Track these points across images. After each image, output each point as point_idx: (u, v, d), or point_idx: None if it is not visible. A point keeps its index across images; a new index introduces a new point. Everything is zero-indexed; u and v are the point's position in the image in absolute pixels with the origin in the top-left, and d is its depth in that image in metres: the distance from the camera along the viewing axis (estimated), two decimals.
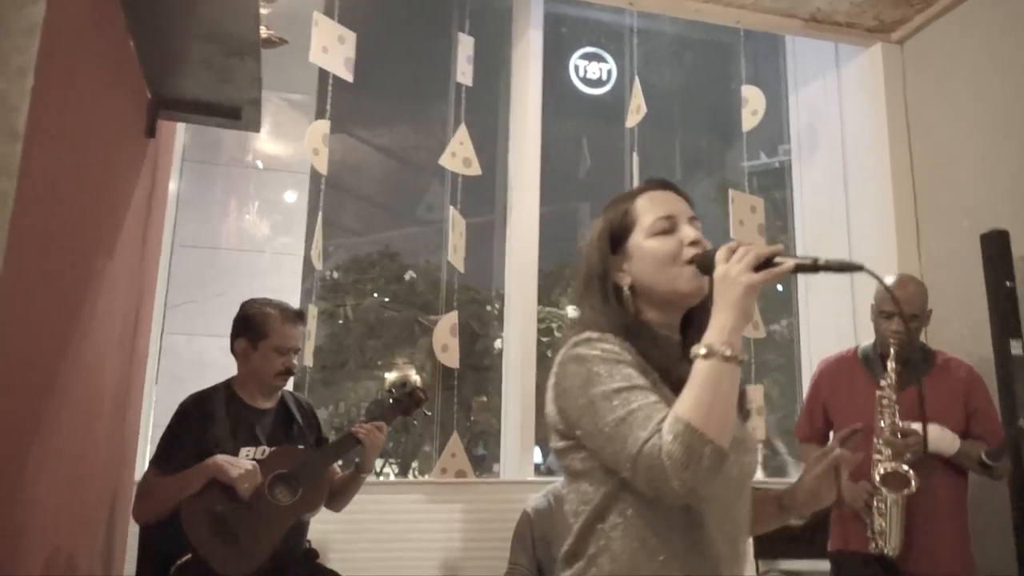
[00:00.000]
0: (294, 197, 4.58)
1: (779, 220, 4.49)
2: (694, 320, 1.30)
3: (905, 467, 2.41)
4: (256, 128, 2.68)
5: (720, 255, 1.18)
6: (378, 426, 2.37)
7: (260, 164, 4.52)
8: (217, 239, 4.29)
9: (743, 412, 1.33)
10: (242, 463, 2.18)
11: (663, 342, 1.27)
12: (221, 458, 2.18)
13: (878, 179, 3.77)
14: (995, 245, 3.01)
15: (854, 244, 3.90)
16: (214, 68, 2.20)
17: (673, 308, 1.30)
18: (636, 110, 3.67)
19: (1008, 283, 2.95)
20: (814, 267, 1.16)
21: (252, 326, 2.38)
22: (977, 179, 3.36)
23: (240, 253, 4.35)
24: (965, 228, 3.32)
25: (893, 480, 2.41)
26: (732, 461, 1.19)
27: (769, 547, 3.39)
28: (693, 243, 1.27)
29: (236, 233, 4.41)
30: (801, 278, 4.19)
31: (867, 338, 2.86)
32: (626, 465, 1.13)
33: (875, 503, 2.45)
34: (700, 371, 1.12)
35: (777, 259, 1.16)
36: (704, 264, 1.22)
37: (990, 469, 2.53)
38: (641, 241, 1.31)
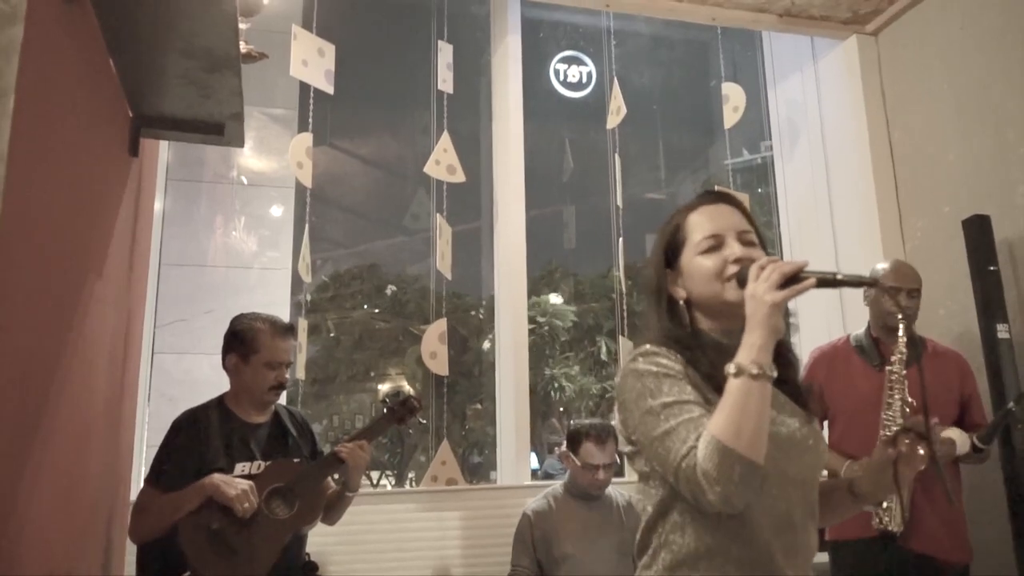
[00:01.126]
0: (280, 211, 4.58)
1: (764, 215, 4.52)
2: None
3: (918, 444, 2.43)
4: (240, 143, 2.68)
5: (751, 273, 1.24)
6: (360, 445, 2.35)
7: (245, 180, 4.51)
8: (204, 256, 4.28)
9: (807, 411, 1.37)
10: (239, 483, 2.16)
11: (719, 351, 1.31)
12: (218, 477, 2.17)
13: (859, 170, 3.80)
14: (977, 230, 3.04)
15: (839, 235, 3.93)
16: (195, 84, 2.20)
17: (728, 317, 1.34)
18: (616, 111, 3.69)
19: (991, 267, 2.99)
20: (834, 282, 1.23)
21: (242, 341, 2.37)
22: (956, 166, 3.39)
23: (228, 270, 4.34)
24: (947, 214, 3.36)
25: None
26: (788, 461, 1.27)
27: None
28: (737, 260, 1.32)
29: (223, 250, 4.40)
30: None
31: (856, 329, 2.87)
32: (670, 476, 1.23)
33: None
34: (730, 390, 1.19)
35: (801, 275, 1.22)
36: (741, 280, 1.28)
37: (981, 452, 2.55)
38: (691, 258, 1.38)
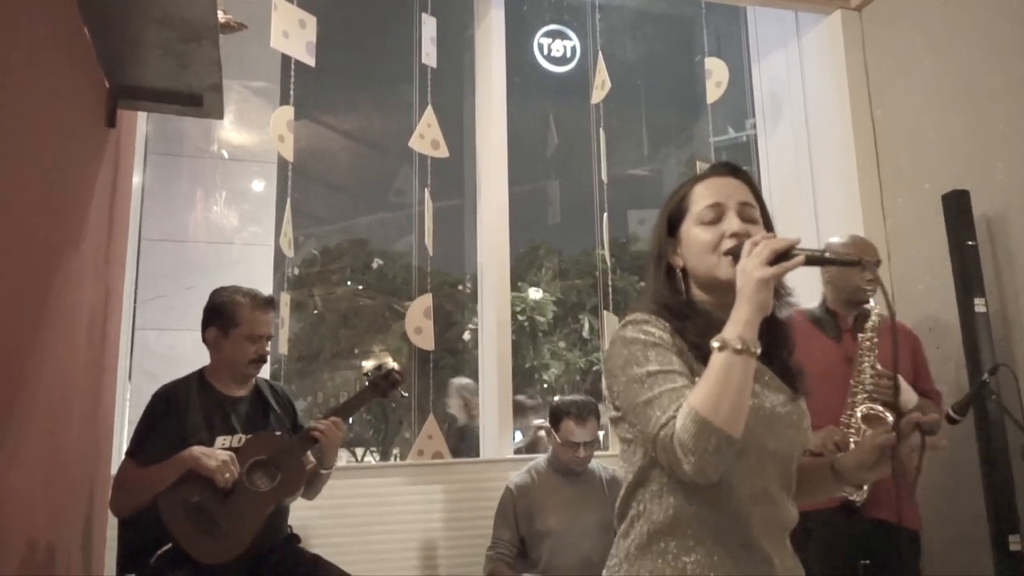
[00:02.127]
0: (261, 186, 4.54)
1: None
2: None
3: (881, 408, 2.46)
4: (219, 115, 2.65)
5: (745, 248, 1.25)
6: (335, 422, 2.36)
7: (226, 154, 4.47)
8: (185, 232, 4.25)
9: (795, 389, 1.40)
10: (219, 454, 2.17)
11: (709, 322, 1.31)
12: (197, 450, 2.17)
13: (841, 146, 3.81)
14: (956, 205, 3.06)
15: (820, 212, 3.95)
16: (172, 54, 2.17)
17: (719, 291, 1.35)
18: (600, 86, 3.68)
19: (970, 242, 3.01)
20: (823, 260, 1.26)
21: (223, 315, 2.36)
22: (937, 142, 3.41)
23: (209, 245, 4.32)
24: (927, 190, 3.37)
25: (872, 421, 2.44)
26: (769, 435, 1.29)
27: None
28: (734, 234, 1.32)
29: (204, 225, 4.37)
30: None
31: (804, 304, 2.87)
32: (648, 444, 1.25)
33: (851, 444, 2.45)
34: (714, 363, 1.19)
35: (792, 252, 1.22)
36: (736, 256, 1.28)
37: (955, 423, 2.57)
38: (690, 228, 1.38)
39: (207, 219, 4.35)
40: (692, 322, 1.33)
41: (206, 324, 2.40)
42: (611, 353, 1.34)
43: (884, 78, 3.74)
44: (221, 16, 2.51)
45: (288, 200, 3.46)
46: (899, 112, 3.65)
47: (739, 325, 1.20)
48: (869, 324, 2.58)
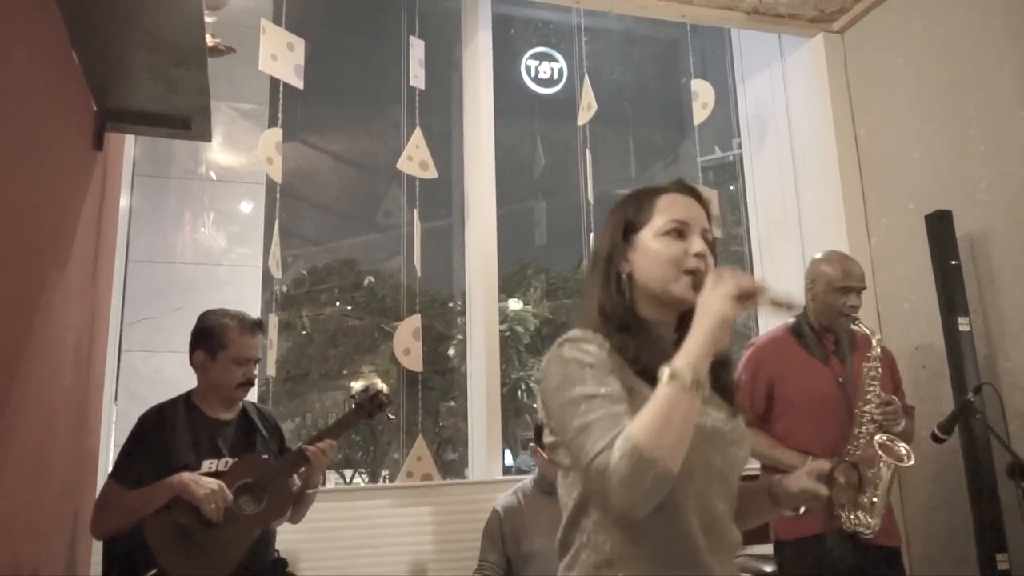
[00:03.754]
0: (250, 208, 4.54)
1: (734, 213, 4.57)
2: (688, 322, 1.30)
3: (899, 440, 2.41)
4: (207, 138, 2.66)
5: (709, 280, 1.22)
6: (329, 444, 2.35)
7: (214, 175, 4.47)
8: (172, 253, 4.24)
9: (732, 407, 1.35)
10: (208, 482, 2.15)
11: (649, 339, 1.29)
12: (187, 476, 2.15)
13: (826, 166, 3.85)
14: (939, 225, 3.10)
15: (805, 231, 3.98)
16: (160, 78, 2.18)
17: (666, 308, 1.33)
18: (587, 107, 3.71)
19: (953, 261, 3.05)
20: (788, 307, 1.23)
21: (210, 337, 2.35)
22: (920, 163, 3.45)
23: (196, 267, 4.30)
24: (911, 210, 3.41)
25: (889, 451, 2.40)
26: (715, 452, 1.25)
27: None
28: (698, 255, 1.30)
29: (192, 246, 4.36)
30: (758, 271, 4.27)
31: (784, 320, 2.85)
32: (581, 471, 1.18)
33: (870, 474, 2.40)
34: (660, 395, 1.15)
35: (759, 293, 1.20)
36: (697, 282, 1.26)
37: (941, 442, 2.57)
38: (650, 238, 1.33)
39: (195, 240, 4.34)
40: (634, 336, 1.29)
41: (194, 347, 2.39)
42: (547, 372, 1.28)
43: (867, 99, 3.79)
44: (209, 40, 2.53)
45: (276, 222, 3.46)
46: (882, 133, 3.70)
47: (693, 357, 1.16)
48: (873, 353, 2.52)
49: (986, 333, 3.10)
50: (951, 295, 3.03)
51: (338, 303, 8.70)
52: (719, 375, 1.31)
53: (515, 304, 8.07)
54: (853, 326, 2.60)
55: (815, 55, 3.94)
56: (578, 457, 1.18)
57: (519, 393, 8.29)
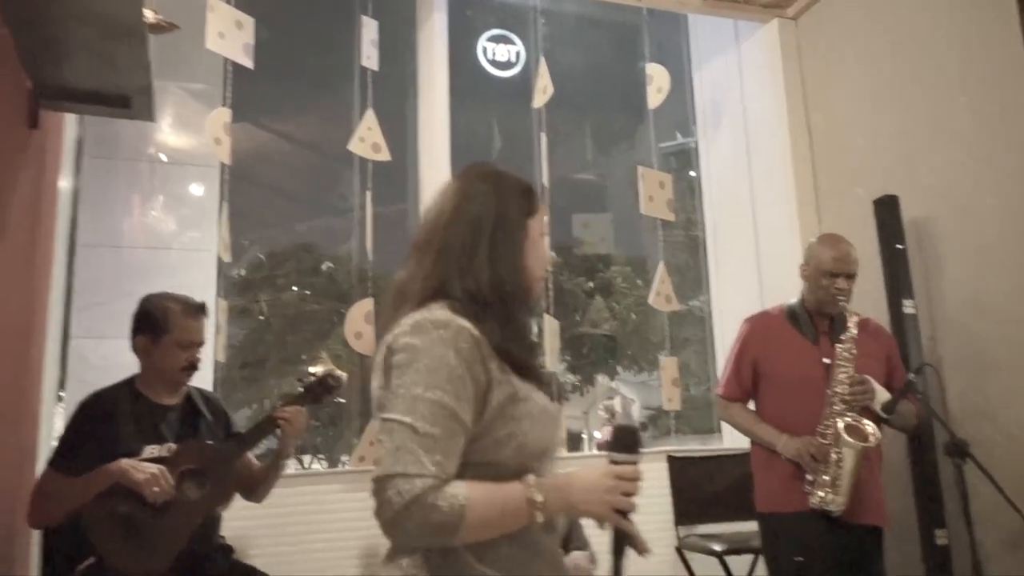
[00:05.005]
0: (201, 190, 4.45)
1: (693, 199, 4.60)
2: None
3: (867, 421, 2.45)
4: (149, 117, 2.60)
5: (612, 469, 1.21)
6: (299, 410, 2.32)
7: (164, 157, 4.37)
8: (121, 237, 4.14)
9: (554, 396, 1.36)
10: (148, 467, 2.11)
11: (511, 322, 1.26)
12: (126, 462, 2.11)
13: (779, 151, 3.89)
14: (886, 210, 3.16)
15: (758, 215, 4.02)
16: (96, 53, 2.11)
17: (526, 295, 1.34)
18: (543, 91, 3.69)
19: (899, 245, 3.10)
20: (630, 544, 1.24)
21: (152, 321, 2.31)
22: (869, 148, 3.50)
23: (146, 251, 4.21)
24: (860, 195, 3.46)
25: (854, 432, 2.43)
26: (555, 432, 1.28)
27: (687, 513, 3.49)
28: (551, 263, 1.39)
29: (142, 230, 4.26)
30: (713, 263, 4.31)
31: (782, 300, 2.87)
32: (379, 471, 1.12)
33: (833, 455, 2.45)
34: (511, 492, 1.16)
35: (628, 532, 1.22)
36: (629, 440, 1.25)
37: (888, 422, 2.62)
38: (538, 231, 1.34)
39: (144, 224, 4.25)
40: (514, 328, 1.25)
41: (136, 331, 2.34)
42: (405, 345, 1.18)
43: (819, 85, 3.84)
44: (151, 16, 2.46)
45: (224, 204, 3.40)
46: (834, 119, 3.74)
47: (556, 502, 1.17)
48: (848, 335, 2.55)
49: (930, 316, 3.16)
50: (897, 278, 3.09)
51: (295, 288, 8.59)
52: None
53: None
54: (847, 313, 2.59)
55: (770, 41, 3.97)
56: (385, 455, 1.12)
57: None
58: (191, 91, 4.34)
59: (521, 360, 1.24)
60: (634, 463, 1.22)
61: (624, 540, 1.22)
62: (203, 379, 3.58)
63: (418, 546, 1.15)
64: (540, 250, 1.33)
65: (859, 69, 3.57)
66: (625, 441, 1.24)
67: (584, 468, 1.22)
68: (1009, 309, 2.90)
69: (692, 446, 4.57)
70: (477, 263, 1.25)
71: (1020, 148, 2.89)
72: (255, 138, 4.92)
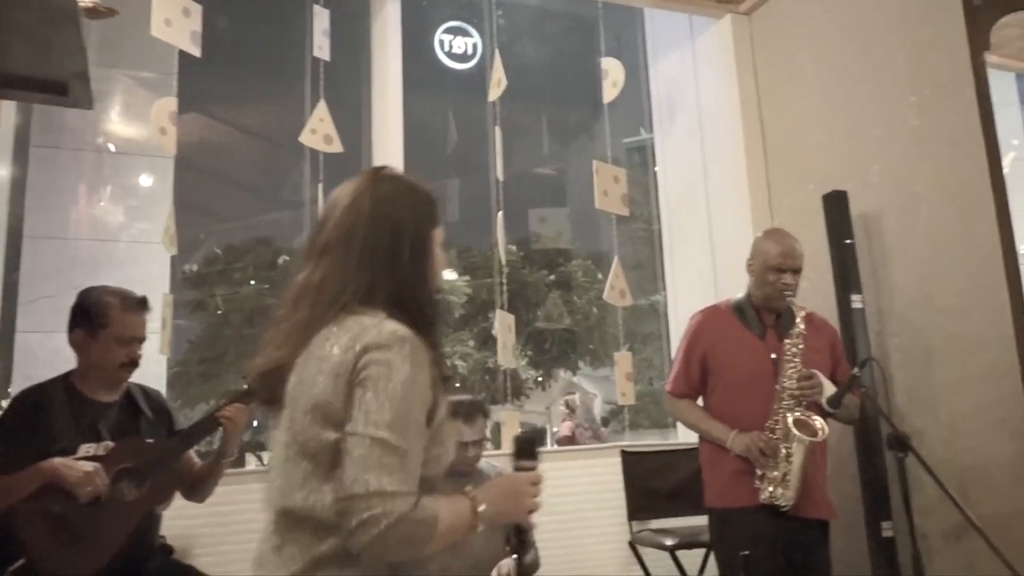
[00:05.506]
0: (150, 181, 4.35)
1: (652, 192, 4.62)
2: None
3: (815, 415, 2.47)
4: (87, 105, 2.50)
5: (529, 477, 1.34)
6: (241, 408, 2.27)
7: (112, 147, 4.27)
8: (68, 229, 4.04)
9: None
10: (82, 465, 2.05)
11: (440, 341, 1.33)
12: (58, 461, 2.05)
13: (732, 146, 3.91)
14: (835, 205, 3.19)
15: (712, 209, 4.04)
16: (27, 37, 2.04)
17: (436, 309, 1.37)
18: (497, 83, 3.67)
19: (847, 241, 3.13)
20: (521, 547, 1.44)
21: (90, 316, 2.24)
22: (820, 143, 3.54)
23: (95, 243, 4.12)
24: (810, 190, 3.49)
25: (802, 426, 2.45)
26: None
27: (641, 508, 3.50)
28: None
29: (89, 221, 4.16)
30: (668, 257, 4.33)
31: (732, 294, 2.87)
32: (355, 486, 1.11)
33: (783, 450, 2.46)
34: (462, 508, 1.23)
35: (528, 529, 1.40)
36: (530, 448, 1.37)
37: (835, 415, 2.64)
38: (438, 242, 1.35)
39: (92, 215, 4.15)
40: (437, 337, 1.29)
41: (73, 325, 2.27)
42: (380, 359, 1.17)
43: (772, 81, 3.86)
44: (88, 0, 2.39)
45: (171, 195, 3.32)
46: (786, 114, 3.77)
47: (491, 511, 1.25)
48: (796, 330, 2.57)
49: (878, 310, 3.21)
50: (845, 273, 3.12)
51: (253, 282, 8.47)
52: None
53: (450, 274, 8.02)
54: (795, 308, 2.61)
55: (723, 36, 3.98)
56: (372, 469, 1.11)
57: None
58: (141, 80, 4.24)
59: (445, 375, 1.27)
60: (535, 468, 1.34)
61: (528, 539, 1.38)
62: (156, 374, 3.52)
63: (390, 560, 1.17)
64: (442, 263, 1.37)
65: (811, 65, 3.60)
66: (527, 449, 1.36)
67: (500, 477, 1.34)
68: (953, 303, 2.95)
69: (652, 440, 4.60)
70: (402, 271, 1.27)
71: (965, 145, 2.94)
72: (209, 129, 4.83)
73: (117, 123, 4.28)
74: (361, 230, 1.26)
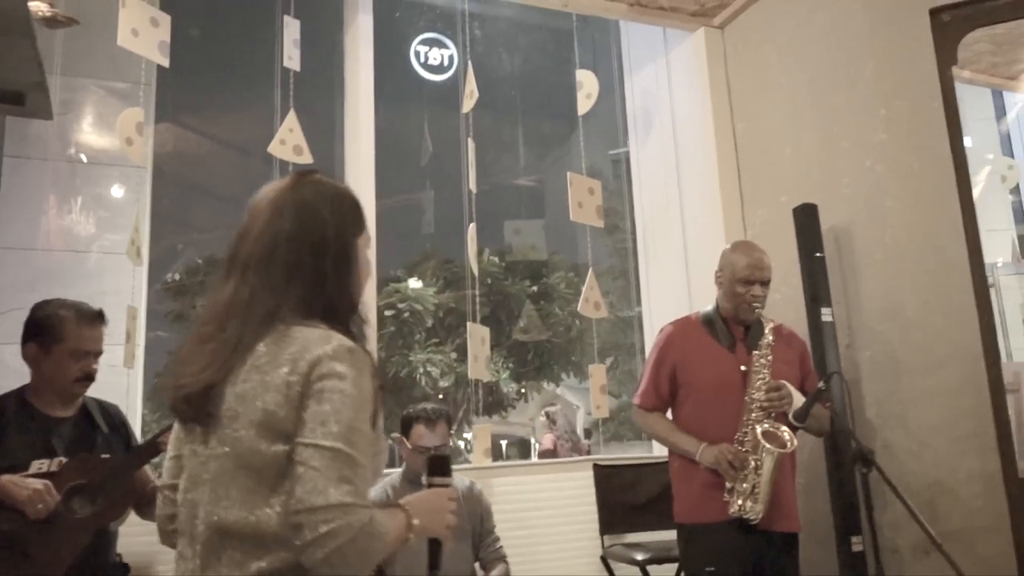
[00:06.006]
0: (122, 192, 4.31)
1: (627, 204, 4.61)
2: None
3: (783, 427, 2.46)
4: (47, 115, 2.50)
5: (441, 492, 1.34)
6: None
7: (84, 158, 4.23)
8: (36, 240, 4.00)
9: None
10: (31, 483, 2.01)
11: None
12: (6, 478, 2.01)
13: (706, 159, 3.92)
14: (805, 218, 3.19)
15: (687, 222, 4.04)
16: None
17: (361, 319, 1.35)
18: (470, 95, 3.65)
19: (818, 254, 3.13)
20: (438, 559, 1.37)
21: (43, 330, 2.20)
22: (792, 156, 3.54)
23: (65, 254, 4.07)
24: (783, 203, 3.49)
25: (771, 438, 2.44)
26: None
27: (613, 521, 3.48)
28: None
29: (59, 232, 4.12)
30: (643, 269, 4.32)
31: (702, 307, 2.87)
32: (314, 498, 1.09)
33: (752, 462, 2.45)
34: (399, 521, 1.21)
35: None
36: (444, 466, 1.39)
37: (806, 428, 2.63)
38: (364, 247, 1.32)
39: (62, 226, 4.11)
40: (366, 342, 1.29)
41: (25, 339, 2.23)
42: (332, 371, 1.16)
43: (745, 94, 3.87)
44: (47, 10, 2.36)
45: (147, 206, 3.29)
46: (758, 127, 3.77)
47: (421, 525, 1.24)
48: (764, 342, 2.57)
49: (848, 322, 3.20)
50: (816, 286, 3.12)
51: None
52: None
53: (415, 283, 7.98)
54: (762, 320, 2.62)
55: (696, 49, 3.99)
56: (333, 481, 1.10)
57: (418, 376, 8.23)
58: (113, 90, 4.21)
59: (382, 384, 1.26)
60: (448, 485, 1.35)
61: (440, 553, 1.35)
62: (129, 387, 3.49)
63: (341, 574, 1.13)
64: (366, 270, 1.33)
65: (783, 79, 3.61)
66: (441, 467, 1.37)
67: (421, 493, 1.33)
68: (922, 316, 2.95)
69: (636, 452, 4.57)
70: (330, 284, 1.26)
71: (932, 159, 2.95)
72: (182, 139, 4.80)
73: (89, 133, 4.25)
74: (283, 246, 1.24)
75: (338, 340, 1.19)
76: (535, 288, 9.28)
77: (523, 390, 10.70)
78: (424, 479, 1.37)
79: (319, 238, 1.26)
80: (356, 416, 1.15)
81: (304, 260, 1.25)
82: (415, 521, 1.22)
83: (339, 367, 1.16)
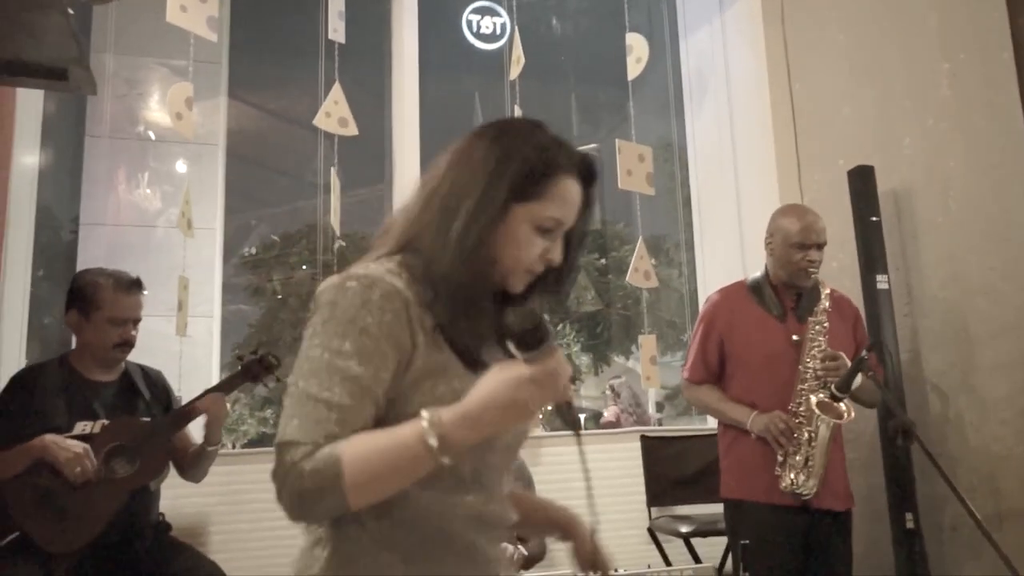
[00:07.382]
0: (188, 168, 4.45)
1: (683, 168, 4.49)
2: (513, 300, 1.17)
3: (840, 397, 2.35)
4: (91, 91, 2.54)
5: (546, 364, 1.00)
6: (216, 397, 2.30)
7: (152, 135, 4.38)
8: (107, 215, 4.18)
9: None
10: (72, 445, 2.10)
11: (483, 322, 1.11)
12: (49, 439, 2.10)
13: (761, 122, 3.76)
14: (860, 181, 3.02)
15: (741, 186, 3.90)
16: (18, 24, 2.08)
17: (490, 279, 1.15)
18: (516, 62, 3.60)
19: (873, 218, 2.97)
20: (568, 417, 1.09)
21: (82, 297, 2.29)
22: (850, 117, 3.36)
23: (138, 228, 4.24)
24: (840, 166, 3.32)
25: (827, 408, 2.35)
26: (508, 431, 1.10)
27: (660, 494, 3.42)
28: (549, 260, 1.15)
29: (132, 208, 4.30)
30: (698, 235, 4.21)
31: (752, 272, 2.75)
32: (276, 440, 1.02)
33: (806, 434, 2.37)
34: (401, 437, 0.99)
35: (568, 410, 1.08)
36: (530, 340, 1.01)
37: (858, 400, 2.51)
38: (526, 220, 1.12)
39: (131, 202, 4.28)
40: (467, 314, 1.09)
41: (68, 307, 2.33)
42: (326, 302, 1.06)
43: (802, 54, 3.69)
44: None
45: (187, 179, 3.39)
46: (816, 88, 3.60)
47: (461, 420, 0.98)
48: (820, 307, 2.47)
49: (908, 290, 3.04)
50: (871, 252, 2.96)
51: (305, 267, 8.64)
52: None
53: None
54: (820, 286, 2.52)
55: (752, 9, 3.83)
56: (283, 422, 1.02)
57: None
58: (177, 69, 4.33)
59: (465, 346, 1.09)
60: (551, 355, 1.01)
61: (572, 410, 1.07)
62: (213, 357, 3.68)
63: (314, 520, 1.07)
64: (521, 245, 1.12)
65: (841, 36, 3.42)
66: (527, 339, 1.01)
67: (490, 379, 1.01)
68: (986, 282, 2.78)
69: (708, 425, 4.49)
70: (453, 233, 1.09)
71: (1001, 116, 2.76)
72: (242, 115, 4.90)
73: (156, 111, 4.40)
74: (436, 176, 1.14)
75: (358, 269, 1.09)
76: (603, 261, 9.16)
77: (591, 364, 10.63)
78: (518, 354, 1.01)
79: (456, 182, 1.14)
80: (330, 348, 1.02)
81: (438, 200, 1.13)
82: (432, 442, 0.97)
83: (330, 296, 1.06)
